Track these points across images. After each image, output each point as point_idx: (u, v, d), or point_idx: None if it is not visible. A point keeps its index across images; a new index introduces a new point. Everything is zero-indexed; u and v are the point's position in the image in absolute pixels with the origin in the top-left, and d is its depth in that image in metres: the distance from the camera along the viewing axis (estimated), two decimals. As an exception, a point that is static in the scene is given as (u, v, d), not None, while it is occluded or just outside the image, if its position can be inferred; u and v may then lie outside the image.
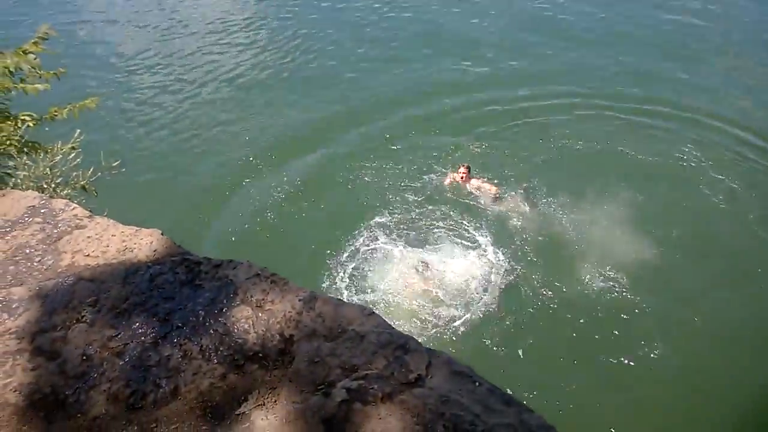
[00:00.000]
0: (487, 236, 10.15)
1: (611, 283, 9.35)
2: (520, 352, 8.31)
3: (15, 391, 1.66)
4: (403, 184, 11.25)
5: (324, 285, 9.12)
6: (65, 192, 5.51)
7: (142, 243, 2.14)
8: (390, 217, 10.46)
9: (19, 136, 4.59)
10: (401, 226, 10.29)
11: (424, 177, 11.44)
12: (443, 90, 14.28)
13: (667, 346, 8.42)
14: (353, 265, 9.53)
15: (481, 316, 8.79)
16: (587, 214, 10.64)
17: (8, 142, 4.47)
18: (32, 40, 4.42)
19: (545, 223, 10.51)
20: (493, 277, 9.38)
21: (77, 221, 2.28)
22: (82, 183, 5.61)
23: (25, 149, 4.74)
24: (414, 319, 8.70)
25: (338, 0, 18.69)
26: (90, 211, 2.42)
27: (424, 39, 16.62)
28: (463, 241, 10.05)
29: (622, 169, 11.78)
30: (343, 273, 9.40)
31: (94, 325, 1.81)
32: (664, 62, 15.65)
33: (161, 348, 1.73)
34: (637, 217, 10.49)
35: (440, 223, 10.40)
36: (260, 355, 1.69)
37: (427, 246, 9.90)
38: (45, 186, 5.37)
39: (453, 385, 1.54)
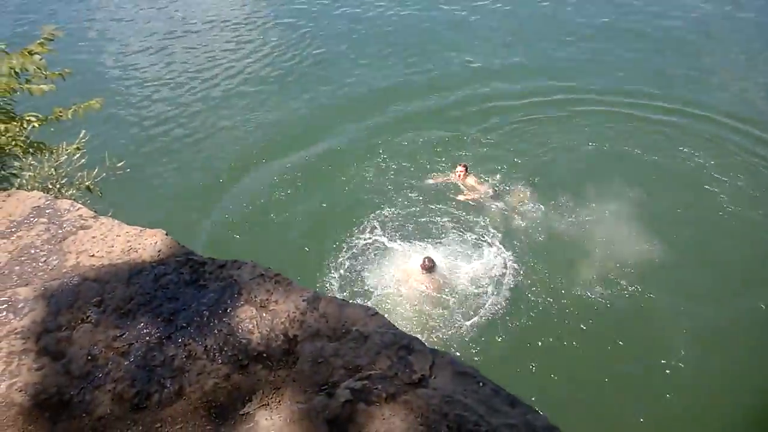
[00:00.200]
0: (490, 236, 10.10)
1: (618, 284, 9.24)
2: (525, 352, 8.25)
3: (20, 391, 1.67)
4: (403, 182, 11.20)
5: (325, 285, 9.09)
6: (70, 192, 5.54)
7: (147, 243, 2.14)
8: (391, 216, 10.42)
9: (25, 137, 4.60)
10: (402, 225, 10.25)
11: (424, 175, 11.40)
12: (445, 86, 14.19)
13: (677, 349, 8.29)
14: (354, 264, 9.51)
15: (486, 316, 8.74)
16: (592, 213, 10.53)
17: (14, 143, 4.48)
18: (38, 41, 4.44)
19: (549, 222, 10.44)
20: (497, 276, 9.33)
21: (82, 222, 2.29)
22: (87, 183, 5.64)
23: (31, 150, 4.76)
24: (417, 319, 8.67)
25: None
26: (95, 211, 2.43)
27: (424, 35, 16.56)
28: (465, 241, 10.02)
29: (629, 167, 11.64)
30: (345, 272, 9.38)
31: (99, 325, 1.82)
32: (672, 59, 15.50)
33: (166, 348, 1.74)
34: (645, 216, 10.34)
35: (441, 223, 10.36)
36: (264, 355, 1.69)
37: (429, 245, 9.87)
38: (50, 186, 5.39)
39: (457, 386, 1.54)
